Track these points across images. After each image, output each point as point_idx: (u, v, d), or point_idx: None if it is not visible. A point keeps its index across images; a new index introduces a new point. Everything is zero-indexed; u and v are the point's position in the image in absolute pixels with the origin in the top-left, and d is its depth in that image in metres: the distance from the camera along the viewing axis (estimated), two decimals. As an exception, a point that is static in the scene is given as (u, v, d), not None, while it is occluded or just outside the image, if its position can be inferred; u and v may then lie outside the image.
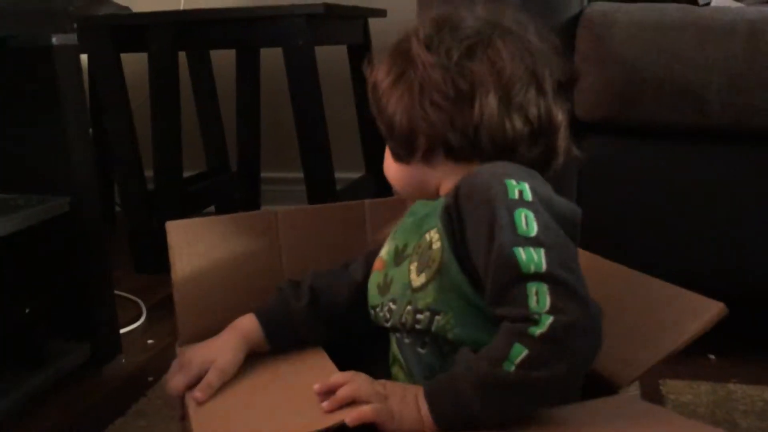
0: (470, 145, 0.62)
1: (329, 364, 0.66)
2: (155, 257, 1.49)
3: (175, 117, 1.46)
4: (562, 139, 0.65)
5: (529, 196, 0.55)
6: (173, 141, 1.47)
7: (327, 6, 1.27)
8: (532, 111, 0.62)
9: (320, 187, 1.39)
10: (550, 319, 0.50)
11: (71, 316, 1.05)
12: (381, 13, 1.60)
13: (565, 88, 0.66)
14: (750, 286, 0.96)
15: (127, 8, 1.61)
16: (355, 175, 1.79)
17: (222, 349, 0.66)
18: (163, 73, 1.42)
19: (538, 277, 0.51)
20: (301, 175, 1.43)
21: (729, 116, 0.88)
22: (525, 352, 0.50)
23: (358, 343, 0.71)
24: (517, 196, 0.55)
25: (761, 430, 0.84)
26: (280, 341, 0.69)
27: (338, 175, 1.45)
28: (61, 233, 1.00)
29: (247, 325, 0.68)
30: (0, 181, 1.00)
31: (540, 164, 0.64)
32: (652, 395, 0.92)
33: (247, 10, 1.36)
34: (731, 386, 0.94)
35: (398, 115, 0.64)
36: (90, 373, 1.05)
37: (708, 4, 1.23)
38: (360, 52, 1.63)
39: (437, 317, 0.59)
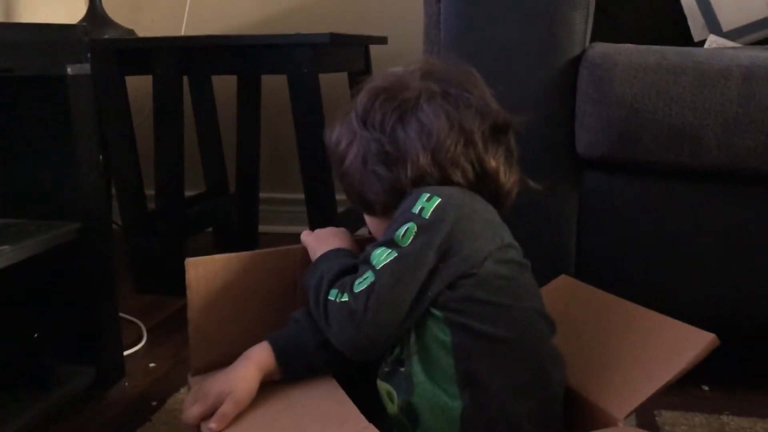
0: None
1: (340, 392, 0.68)
2: (155, 278, 1.51)
3: (178, 140, 1.47)
4: (505, 179, 0.71)
5: (427, 214, 0.64)
6: (176, 163, 1.48)
7: (333, 36, 1.29)
8: (464, 164, 0.69)
9: (321, 210, 1.41)
10: (347, 298, 0.63)
11: (76, 340, 1.06)
12: (382, 40, 1.63)
13: (500, 130, 0.72)
14: (743, 320, 0.99)
15: (131, 31, 1.64)
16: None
17: (237, 380, 0.68)
18: (167, 97, 1.44)
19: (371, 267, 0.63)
20: (299, 195, 1.46)
21: (724, 157, 0.91)
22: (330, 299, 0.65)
23: (369, 371, 0.73)
24: (417, 211, 0.64)
25: (755, 464, 0.87)
26: (293, 372, 0.71)
27: (339, 197, 1.47)
28: (71, 258, 1.01)
29: (262, 355, 0.70)
30: (11, 207, 1.02)
31: (491, 203, 0.70)
32: (648, 426, 0.94)
33: (253, 37, 1.38)
34: (724, 418, 0.97)
35: (349, 181, 0.74)
36: (94, 397, 1.06)
37: (704, 41, 1.27)
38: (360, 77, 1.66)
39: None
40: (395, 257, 0.62)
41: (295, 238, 0.79)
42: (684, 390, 1.03)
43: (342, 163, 0.74)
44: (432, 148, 0.68)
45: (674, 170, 0.94)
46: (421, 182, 0.69)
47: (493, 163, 0.70)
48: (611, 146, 0.94)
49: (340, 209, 1.53)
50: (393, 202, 0.69)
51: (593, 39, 1.00)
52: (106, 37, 1.57)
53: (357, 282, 0.63)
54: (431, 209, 0.64)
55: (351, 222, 1.63)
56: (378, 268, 0.62)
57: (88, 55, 0.98)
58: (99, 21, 1.62)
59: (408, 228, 0.63)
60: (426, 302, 0.63)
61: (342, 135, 0.74)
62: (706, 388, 1.06)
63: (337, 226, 0.81)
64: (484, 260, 0.64)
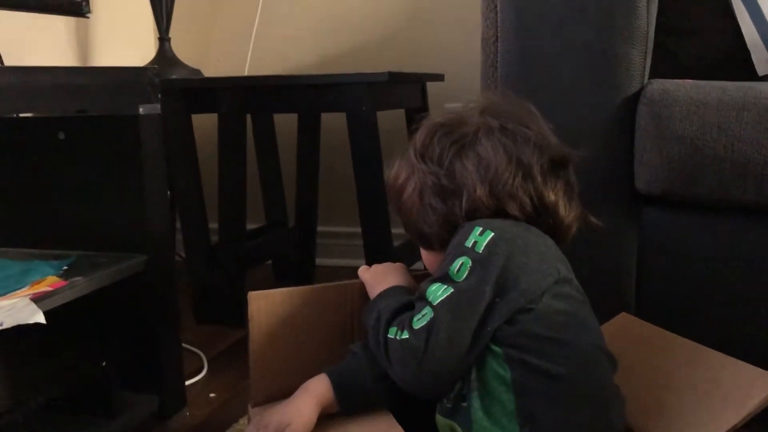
0: None
1: (396, 427, 0.69)
2: (216, 309, 1.54)
3: (241, 176, 1.52)
4: (565, 213, 0.72)
5: (481, 248, 0.64)
6: (238, 198, 1.53)
7: (391, 74, 1.32)
8: (522, 197, 0.69)
9: (378, 243, 1.43)
10: (407, 335, 0.63)
11: (140, 369, 1.09)
12: (439, 77, 1.65)
13: (559, 164, 0.72)
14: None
15: (198, 71, 1.70)
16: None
17: (296, 413, 0.69)
18: (231, 134, 1.49)
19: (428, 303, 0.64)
20: (356, 229, 1.48)
21: (790, 194, 0.89)
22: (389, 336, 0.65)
23: (426, 406, 0.73)
24: (470, 245, 0.65)
25: None
26: (350, 404, 0.72)
27: (394, 231, 1.49)
28: (137, 289, 1.05)
29: (320, 387, 0.72)
30: (83, 239, 1.06)
31: (551, 237, 0.70)
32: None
33: (313, 77, 1.43)
34: (795, 465, 0.92)
35: (407, 215, 0.75)
36: (156, 426, 1.09)
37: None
38: (418, 114, 1.69)
39: None
40: (452, 293, 0.63)
41: (351, 270, 0.81)
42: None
43: (400, 197, 0.76)
44: (490, 180, 0.69)
45: (737, 207, 0.92)
46: (475, 214, 0.69)
47: (552, 197, 0.70)
48: (671, 183, 0.92)
49: (396, 243, 1.55)
50: (447, 236, 0.70)
51: (653, 75, 0.99)
52: (174, 77, 1.64)
53: (416, 319, 0.63)
54: (484, 243, 0.64)
55: (407, 255, 1.64)
56: (435, 303, 0.63)
57: (159, 95, 1.03)
58: (168, 62, 1.70)
59: (462, 263, 0.64)
60: (486, 337, 0.63)
61: (401, 169, 0.76)
62: (775, 433, 1.01)
63: (392, 259, 0.82)
64: (542, 295, 0.64)
